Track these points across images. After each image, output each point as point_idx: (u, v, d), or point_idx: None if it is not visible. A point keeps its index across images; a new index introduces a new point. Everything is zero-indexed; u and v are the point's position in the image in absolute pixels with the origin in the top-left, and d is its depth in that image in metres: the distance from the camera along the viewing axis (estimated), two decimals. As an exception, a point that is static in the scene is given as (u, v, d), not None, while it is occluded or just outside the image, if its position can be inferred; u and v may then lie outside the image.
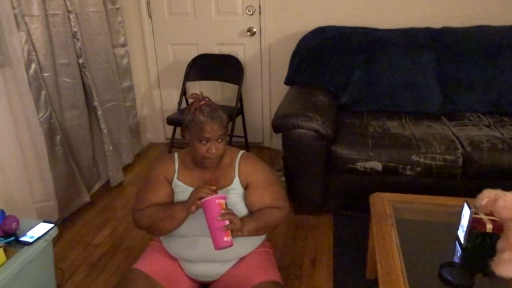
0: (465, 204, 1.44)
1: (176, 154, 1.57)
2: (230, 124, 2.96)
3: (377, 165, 2.16)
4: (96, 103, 2.61)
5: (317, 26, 2.90)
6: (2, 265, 1.51)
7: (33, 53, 2.14)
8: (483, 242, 1.43)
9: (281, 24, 3.06)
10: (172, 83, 3.39)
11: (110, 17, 2.81)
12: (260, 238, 1.58)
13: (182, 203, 1.42)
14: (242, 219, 1.40)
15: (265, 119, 3.36)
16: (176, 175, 1.52)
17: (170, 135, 3.17)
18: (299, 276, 1.97)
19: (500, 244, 1.36)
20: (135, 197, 1.57)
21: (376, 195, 1.81)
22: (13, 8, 2.00)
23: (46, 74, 2.24)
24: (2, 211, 1.67)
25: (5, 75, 2.04)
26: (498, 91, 2.55)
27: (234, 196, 1.48)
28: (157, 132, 3.60)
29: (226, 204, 1.36)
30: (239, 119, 3.16)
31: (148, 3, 3.20)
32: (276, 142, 3.30)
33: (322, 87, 2.68)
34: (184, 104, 3.15)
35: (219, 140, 1.41)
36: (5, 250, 1.54)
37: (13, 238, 1.63)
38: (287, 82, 2.88)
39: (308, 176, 2.28)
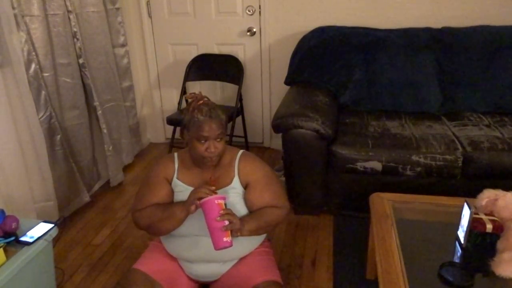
0: (465, 204, 1.44)
1: (175, 154, 1.57)
2: (230, 124, 2.96)
3: (377, 165, 2.16)
4: (96, 103, 2.61)
5: (317, 26, 2.90)
6: (2, 265, 1.51)
7: (33, 53, 2.14)
8: (483, 242, 1.43)
9: (281, 24, 3.05)
10: (172, 83, 3.39)
11: (110, 17, 2.81)
12: (260, 238, 1.58)
13: (182, 203, 1.42)
14: (242, 219, 1.40)
15: (265, 119, 3.36)
16: (175, 175, 1.52)
17: (170, 135, 3.17)
18: (299, 276, 1.97)
19: (500, 244, 1.36)
20: (135, 196, 1.57)
21: (376, 195, 1.81)
22: (13, 8, 2.00)
23: (46, 74, 2.24)
24: (2, 211, 1.67)
25: (5, 75, 2.04)
26: (498, 91, 2.55)
27: (233, 195, 1.48)
28: (157, 132, 3.60)
29: (225, 204, 1.36)
30: (239, 119, 3.16)
31: (148, 3, 3.20)
32: (276, 142, 3.30)
33: (322, 87, 2.68)
34: (184, 104, 3.15)
35: (218, 139, 1.41)
36: (5, 250, 1.54)
37: (13, 238, 1.63)
38: (287, 82, 2.88)
39: (308, 176, 2.28)
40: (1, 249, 1.51)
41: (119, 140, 2.96)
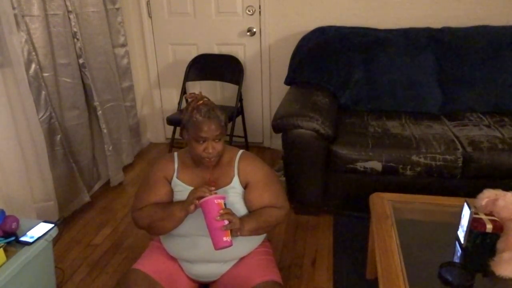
0: (465, 204, 1.44)
1: (175, 154, 1.57)
2: (230, 124, 2.96)
3: (377, 165, 2.16)
4: (96, 103, 2.61)
5: (317, 26, 2.90)
6: (2, 265, 1.51)
7: (33, 53, 2.14)
8: (483, 242, 1.43)
9: (281, 24, 3.06)
10: (172, 83, 3.39)
11: (110, 17, 2.81)
12: (260, 238, 1.58)
13: (181, 203, 1.42)
14: (242, 218, 1.40)
15: (265, 119, 3.36)
16: (175, 174, 1.52)
17: (170, 135, 3.18)
18: (299, 276, 1.97)
19: (500, 244, 1.36)
20: (135, 196, 1.57)
21: (376, 195, 1.81)
22: (13, 8, 2.00)
23: (46, 74, 2.24)
24: (2, 211, 1.67)
25: (5, 75, 2.04)
26: (498, 91, 2.55)
27: (233, 195, 1.48)
28: (157, 132, 3.60)
29: (225, 204, 1.36)
30: (239, 119, 3.16)
31: (148, 3, 3.20)
32: (276, 142, 3.30)
33: (322, 87, 2.68)
34: (184, 104, 3.15)
35: (216, 140, 1.41)
36: (5, 250, 1.54)
37: (13, 238, 1.63)
38: (287, 82, 2.88)
39: (308, 176, 2.28)
40: (1, 249, 1.51)
41: (119, 140, 2.96)
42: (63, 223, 2.42)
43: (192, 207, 1.35)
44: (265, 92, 3.27)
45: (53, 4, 2.26)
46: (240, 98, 3.08)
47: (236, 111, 3.03)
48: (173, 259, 1.55)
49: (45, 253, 1.71)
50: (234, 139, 3.07)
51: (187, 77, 3.18)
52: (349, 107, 2.69)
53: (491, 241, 1.41)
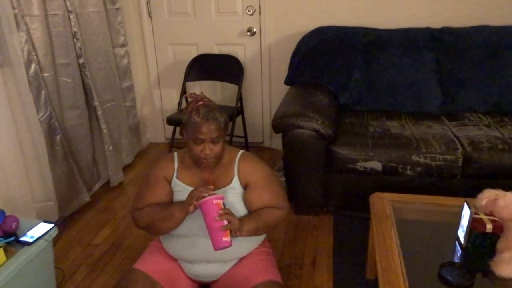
0: (465, 204, 1.44)
1: (175, 154, 1.57)
2: (230, 124, 2.96)
3: (377, 165, 2.16)
4: (96, 103, 2.61)
5: (317, 26, 2.90)
6: (2, 265, 1.51)
7: (33, 53, 2.14)
8: (483, 242, 1.43)
9: (281, 24, 3.05)
10: (172, 83, 3.39)
11: (110, 17, 2.82)
12: (260, 238, 1.58)
13: (181, 203, 1.42)
14: (241, 219, 1.40)
15: (265, 119, 3.36)
16: (175, 175, 1.52)
17: (170, 135, 3.17)
18: (299, 276, 1.97)
19: (500, 244, 1.36)
20: (135, 196, 1.57)
21: (376, 195, 1.81)
22: (13, 8, 2.00)
23: (46, 74, 2.24)
24: (2, 211, 1.67)
25: (5, 75, 2.04)
26: (498, 91, 2.55)
27: (233, 195, 1.48)
28: (157, 132, 3.60)
29: (224, 204, 1.36)
30: (239, 119, 3.16)
31: (148, 3, 3.20)
32: (276, 142, 3.30)
33: (322, 87, 2.68)
34: (184, 104, 3.15)
35: (214, 142, 1.40)
36: (5, 250, 1.54)
37: (13, 238, 1.63)
38: (287, 82, 2.88)
39: (308, 176, 2.28)
40: (1, 249, 1.51)
41: (119, 140, 2.96)
42: (63, 223, 2.41)
43: (191, 207, 1.35)
44: (265, 92, 3.27)
45: (53, 4, 2.26)
46: (240, 98, 3.08)
47: (236, 111, 3.03)
48: (173, 259, 1.55)
49: (45, 253, 1.71)
50: (234, 139, 3.07)
51: (187, 77, 3.18)
52: (349, 107, 2.69)
53: (491, 241, 1.41)
